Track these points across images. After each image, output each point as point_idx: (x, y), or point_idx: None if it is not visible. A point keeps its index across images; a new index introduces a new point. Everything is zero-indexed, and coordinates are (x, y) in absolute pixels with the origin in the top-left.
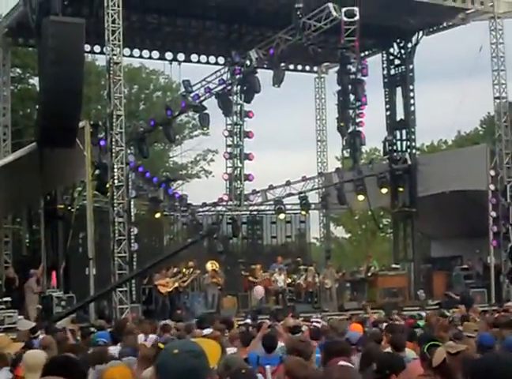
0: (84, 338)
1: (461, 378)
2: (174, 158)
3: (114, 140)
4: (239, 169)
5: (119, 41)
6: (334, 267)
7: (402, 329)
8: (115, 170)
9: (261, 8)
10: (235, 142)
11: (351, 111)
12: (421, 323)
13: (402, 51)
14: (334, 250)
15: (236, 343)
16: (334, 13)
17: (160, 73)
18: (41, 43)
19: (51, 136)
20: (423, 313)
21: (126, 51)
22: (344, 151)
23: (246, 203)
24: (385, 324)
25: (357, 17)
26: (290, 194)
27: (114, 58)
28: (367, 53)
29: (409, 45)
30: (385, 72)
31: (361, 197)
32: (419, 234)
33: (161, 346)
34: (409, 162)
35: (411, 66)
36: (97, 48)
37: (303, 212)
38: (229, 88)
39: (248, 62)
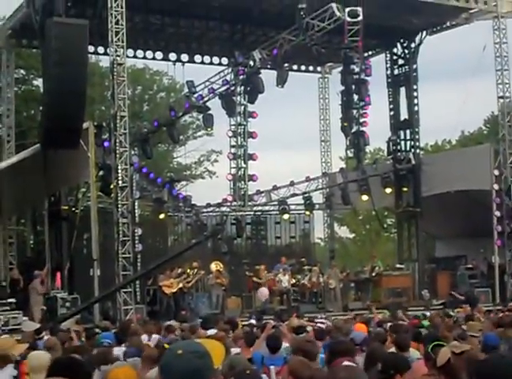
0: (89, 339)
1: (465, 378)
2: (178, 159)
3: (118, 141)
4: (242, 169)
5: (123, 42)
6: (338, 267)
7: (406, 329)
8: (119, 171)
9: (265, 8)
10: (239, 143)
11: (354, 111)
12: (426, 323)
13: (406, 51)
14: (338, 250)
15: (240, 343)
16: (338, 13)
17: (163, 74)
18: (45, 45)
19: (55, 137)
20: (428, 313)
21: (130, 52)
22: (348, 152)
23: (250, 203)
24: (389, 324)
25: (360, 17)
26: (294, 194)
27: (118, 59)
28: (370, 53)
29: (413, 45)
30: (388, 72)
31: (365, 197)
32: (423, 233)
33: (166, 346)
34: (413, 162)
35: (414, 66)
36: (101, 49)
37: (307, 213)
38: (233, 88)
39: (252, 63)
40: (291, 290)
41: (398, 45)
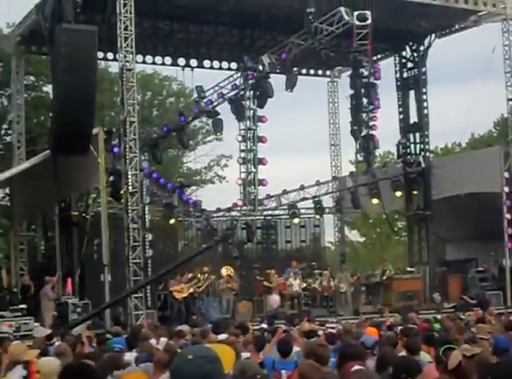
0: (100, 344)
1: None
2: (188, 164)
3: (127, 146)
4: (252, 174)
5: (132, 48)
6: (349, 271)
7: (417, 333)
8: (129, 176)
9: (273, 13)
10: (249, 147)
11: (364, 115)
12: (437, 326)
13: (415, 54)
14: (349, 254)
15: (250, 347)
16: (346, 17)
17: (172, 79)
18: (54, 51)
19: (65, 143)
20: (439, 317)
21: (139, 58)
22: (358, 155)
23: (260, 208)
24: (400, 328)
25: (369, 21)
26: (304, 198)
27: (127, 64)
28: (379, 56)
29: (422, 48)
30: (397, 75)
31: (375, 201)
32: (433, 237)
33: (179, 351)
34: (423, 165)
35: (423, 69)
36: (110, 55)
37: (318, 217)
38: (242, 93)
39: (261, 67)
40: (301, 294)
41: (407, 48)
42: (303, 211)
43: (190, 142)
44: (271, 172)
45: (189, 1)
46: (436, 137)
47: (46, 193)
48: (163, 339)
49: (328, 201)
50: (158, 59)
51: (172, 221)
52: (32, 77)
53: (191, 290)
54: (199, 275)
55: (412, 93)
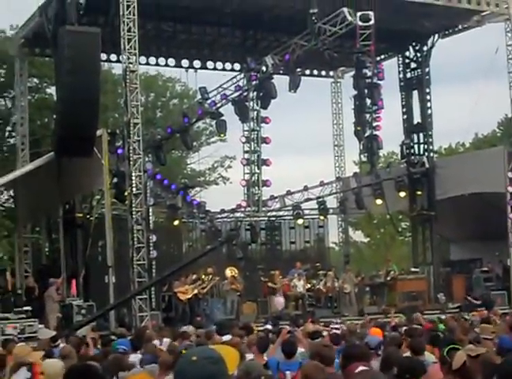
0: (105, 346)
1: None
2: (191, 165)
3: (131, 148)
4: (256, 175)
5: (135, 49)
6: (353, 271)
7: (421, 333)
8: (133, 178)
9: (276, 14)
10: (253, 148)
11: (367, 115)
12: (442, 326)
13: (418, 55)
14: (353, 255)
15: (253, 349)
16: (349, 18)
17: (176, 81)
18: (57, 53)
19: (69, 145)
20: (444, 317)
21: (142, 59)
22: (362, 156)
23: (264, 209)
24: (404, 328)
25: (372, 21)
26: (308, 199)
27: (131, 66)
28: (382, 57)
29: (425, 48)
30: (401, 75)
31: (379, 201)
32: (438, 237)
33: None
34: (427, 165)
35: (427, 69)
36: (113, 57)
37: (322, 217)
38: (245, 94)
39: (264, 68)
40: (306, 295)
41: (410, 48)
42: (306, 211)
43: (194, 143)
44: (275, 173)
45: (192, 3)
46: (440, 137)
47: (50, 195)
48: (166, 340)
49: (332, 202)
50: (161, 61)
51: (176, 222)
52: (35, 79)
53: (195, 291)
54: (203, 277)
55: (415, 93)
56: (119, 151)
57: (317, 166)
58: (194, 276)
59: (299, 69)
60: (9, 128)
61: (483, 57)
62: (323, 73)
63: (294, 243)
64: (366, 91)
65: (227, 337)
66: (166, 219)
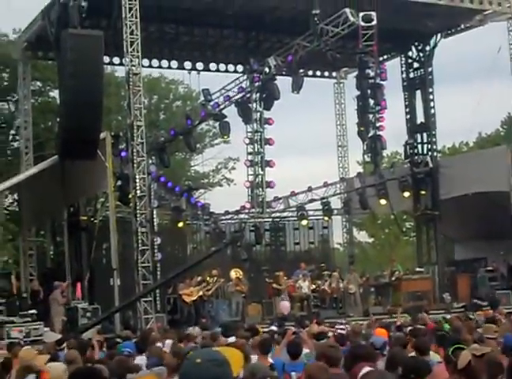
0: (110, 349)
1: None
2: (195, 167)
3: (135, 150)
4: (260, 176)
5: (138, 52)
6: (358, 272)
7: (425, 333)
8: (137, 180)
9: (279, 15)
10: (256, 149)
11: (371, 116)
12: (447, 326)
13: (421, 54)
14: (358, 255)
15: (257, 350)
16: (351, 18)
17: (179, 83)
18: (60, 56)
19: (72, 148)
20: (448, 316)
21: (145, 62)
22: (365, 156)
23: (268, 210)
24: (409, 328)
25: (374, 22)
26: (312, 200)
27: (133, 68)
28: (385, 57)
29: (427, 48)
30: (404, 75)
31: (383, 201)
32: (442, 236)
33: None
34: (431, 165)
35: (430, 69)
36: (116, 59)
37: (326, 218)
38: (248, 95)
39: (267, 69)
40: (311, 296)
41: (413, 48)
42: (311, 212)
43: (198, 145)
44: (278, 174)
45: (194, 5)
46: (443, 137)
47: (54, 198)
48: (169, 342)
49: (336, 202)
50: (164, 63)
51: (181, 224)
52: (38, 83)
53: (200, 293)
54: (208, 278)
55: (418, 93)
56: (123, 153)
57: (320, 167)
58: (199, 278)
59: (301, 70)
60: (12, 131)
61: (486, 56)
62: (326, 73)
63: (298, 244)
64: (369, 91)
65: (232, 339)
66: (170, 222)
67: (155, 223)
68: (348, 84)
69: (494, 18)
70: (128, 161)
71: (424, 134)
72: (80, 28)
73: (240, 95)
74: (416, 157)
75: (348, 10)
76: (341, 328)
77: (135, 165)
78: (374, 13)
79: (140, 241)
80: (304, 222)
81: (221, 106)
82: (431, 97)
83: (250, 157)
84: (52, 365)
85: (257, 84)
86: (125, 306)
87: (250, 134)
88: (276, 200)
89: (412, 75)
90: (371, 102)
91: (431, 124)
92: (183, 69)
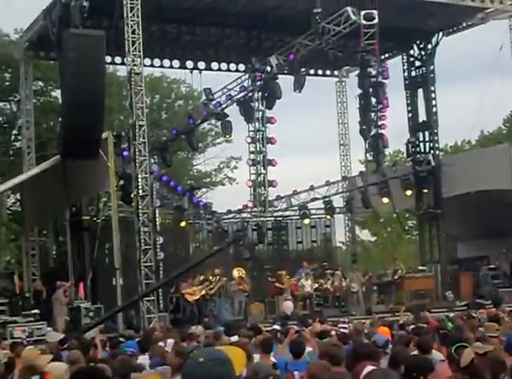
0: (113, 348)
1: (489, 378)
2: (197, 166)
3: (137, 150)
4: (262, 175)
5: (140, 51)
6: (360, 270)
7: (428, 331)
8: (139, 179)
9: (280, 14)
10: (258, 148)
11: (373, 114)
12: (449, 325)
13: (422, 53)
14: (360, 254)
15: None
16: (353, 17)
17: (181, 82)
18: (62, 56)
19: (74, 148)
20: (452, 315)
21: (147, 61)
22: (368, 155)
23: (270, 209)
24: (411, 327)
25: (376, 20)
26: (314, 199)
27: (135, 68)
28: (387, 55)
29: (429, 46)
30: (405, 74)
31: (385, 200)
32: (444, 235)
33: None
34: (433, 163)
35: (431, 67)
36: (118, 59)
37: (328, 217)
38: (250, 94)
39: (268, 68)
40: (313, 294)
41: (415, 47)
42: (313, 211)
43: (200, 144)
44: (280, 173)
45: (195, 4)
46: (445, 135)
47: (56, 198)
48: (170, 341)
49: (338, 201)
50: (166, 62)
51: (183, 224)
52: (40, 83)
53: (203, 292)
54: (211, 278)
55: (420, 91)
56: (125, 153)
57: (322, 166)
58: (202, 277)
59: (303, 69)
60: (14, 131)
61: (488, 54)
62: (328, 72)
63: (301, 243)
64: (371, 90)
65: (235, 338)
66: (172, 221)
67: (157, 223)
68: (350, 83)
69: (496, 16)
70: (130, 160)
71: (426, 132)
72: (82, 28)
73: (242, 94)
74: (418, 155)
75: (349, 9)
76: (344, 327)
77: (137, 164)
78: (375, 12)
79: (142, 240)
80: (306, 221)
81: (223, 106)
82: (433, 95)
83: (252, 156)
84: (53, 365)
85: (259, 83)
86: (127, 306)
87: (252, 133)
88: (278, 199)
89: (413, 73)
90: (373, 100)
91: (432, 122)
92: (185, 68)
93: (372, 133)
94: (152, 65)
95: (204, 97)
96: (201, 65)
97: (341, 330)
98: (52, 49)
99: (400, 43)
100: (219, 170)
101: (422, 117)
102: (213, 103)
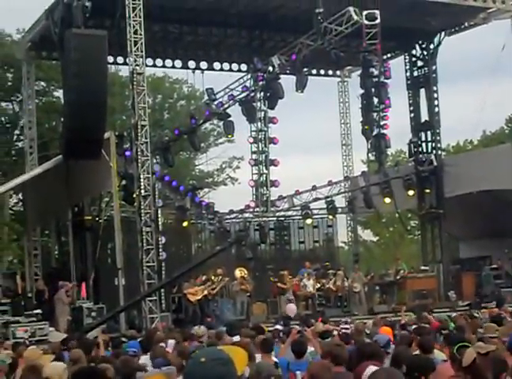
0: (116, 348)
1: (491, 378)
2: (200, 166)
3: (139, 150)
4: (264, 175)
5: (142, 51)
6: (362, 270)
7: (430, 331)
8: (142, 179)
9: (282, 14)
10: (260, 148)
11: (375, 114)
12: (452, 325)
13: (424, 53)
14: (362, 254)
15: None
16: (355, 17)
17: (183, 82)
18: (64, 56)
19: (76, 148)
20: (454, 315)
21: (149, 61)
22: (370, 155)
23: (272, 209)
24: (413, 327)
25: (378, 20)
26: (316, 199)
27: (137, 68)
28: (389, 55)
29: (431, 46)
30: (408, 74)
31: (388, 200)
32: (446, 235)
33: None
34: (435, 163)
35: (434, 67)
36: (120, 59)
37: (330, 217)
38: (252, 94)
39: (271, 68)
40: (316, 294)
41: (417, 46)
42: (315, 211)
43: (202, 144)
44: (283, 173)
45: (197, 4)
46: (448, 135)
47: (59, 198)
48: (171, 342)
49: (340, 201)
50: (168, 62)
51: (185, 224)
52: (42, 83)
53: (205, 292)
54: (213, 278)
55: (422, 91)
56: (127, 153)
57: (325, 166)
58: (204, 277)
59: (305, 69)
60: (17, 131)
61: (490, 54)
62: (330, 72)
63: (303, 243)
64: (373, 89)
65: (237, 338)
66: (175, 221)
67: (159, 223)
68: (352, 83)
69: (498, 16)
70: (132, 161)
71: (428, 132)
72: (84, 28)
73: (244, 94)
74: (421, 155)
75: (351, 9)
76: (346, 327)
77: (139, 164)
78: (377, 12)
79: (144, 240)
80: (309, 221)
81: (225, 106)
82: (435, 95)
83: (254, 156)
84: (52, 365)
85: (261, 83)
86: (130, 306)
87: (254, 133)
88: (280, 199)
89: (416, 73)
90: (375, 100)
91: (435, 122)
92: (187, 68)
93: (374, 133)
94: (154, 65)
95: (206, 97)
96: (204, 65)
97: (343, 330)
98: (54, 49)
99: (403, 43)
100: (221, 170)
101: (424, 117)
102: (215, 103)
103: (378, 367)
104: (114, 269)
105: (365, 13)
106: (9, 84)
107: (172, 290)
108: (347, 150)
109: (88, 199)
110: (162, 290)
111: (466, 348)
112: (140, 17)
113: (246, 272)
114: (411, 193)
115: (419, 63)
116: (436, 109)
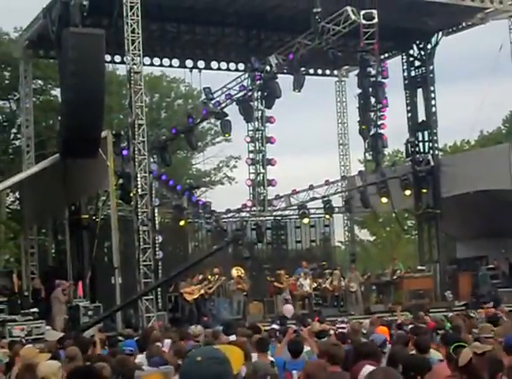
0: (112, 347)
1: (487, 378)
2: (197, 165)
3: (136, 149)
4: (261, 175)
5: (139, 50)
6: (359, 270)
7: (426, 331)
8: (139, 178)
9: (280, 13)
10: (257, 148)
11: (372, 114)
12: (448, 325)
13: (422, 52)
14: (359, 253)
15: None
16: (353, 17)
17: (180, 81)
18: (61, 55)
19: (73, 147)
20: (450, 315)
21: (147, 60)
22: (367, 154)
23: (269, 208)
24: (410, 327)
25: (376, 20)
26: (313, 198)
27: (135, 67)
28: (386, 55)
29: (429, 46)
30: (405, 73)
31: (385, 200)
32: (443, 235)
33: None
34: (432, 163)
35: (431, 67)
36: (117, 58)
37: (327, 216)
38: (250, 94)
39: (268, 68)
40: (312, 294)
41: (414, 46)
42: (312, 211)
43: (199, 144)
44: (280, 172)
45: (195, 3)
46: (445, 135)
47: (55, 197)
48: (168, 341)
49: (337, 201)
50: (165, 61)
51: (182, 223)
52: (40, 81)
53: (202, 291)
54: (209, 277)
55: (419, 91)
56: (124, 152)
57: (322, 165)
58: (201, 277)
59: (303, 69)
60: (14, 130)
61: (488, 54)
62: (327, 71)
63: (300, 242)
64: (370, 89)
65: (233, 337)
66: (172, 220)
67: (156, 222)
68: (350, 83)
69: (495, 16)
70: (129, 159)
71: (425, 132)
72: (82, 27)
73: (241, 93)
74: (418, 155)
75: (349, 8)
76: (342, 327)
77: (136, 163)
78: (375, 11)
79: (141, 239)
80: (306, 220)
81: (222, 105)
82: (433, 95)
83: (251, 155)
84: (47, 363)
85: (258, 82)
86: (126, 305)
87: (251, 132)
88: (277, 199)
89: (413, 73)
90: (373, 100)
91: (432, 122)
92: (185, 67)
93: (371, 132)
94: (151, 64)
95: (203, 96)
96: (201, 64)
97: (339, 330)
98: (52, 47)
99: (400, 43)
100: (218, 169)
101: (421, 117)
102: (213, 102)
103: (375, 367)
104: (111, 268)
105: (362, 12)
106: (7, 82)
107: (169, 289)
108: (344, 150)
109: (85, 198)
110: (158, 289)
111: (462, 348)
112: (137, 16)
113: (242, 271)
114: (408, 192)
115: (417, 63)
116: (433, 109)
